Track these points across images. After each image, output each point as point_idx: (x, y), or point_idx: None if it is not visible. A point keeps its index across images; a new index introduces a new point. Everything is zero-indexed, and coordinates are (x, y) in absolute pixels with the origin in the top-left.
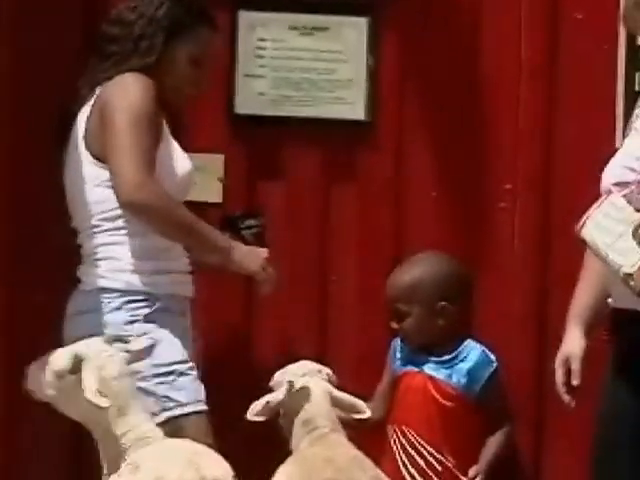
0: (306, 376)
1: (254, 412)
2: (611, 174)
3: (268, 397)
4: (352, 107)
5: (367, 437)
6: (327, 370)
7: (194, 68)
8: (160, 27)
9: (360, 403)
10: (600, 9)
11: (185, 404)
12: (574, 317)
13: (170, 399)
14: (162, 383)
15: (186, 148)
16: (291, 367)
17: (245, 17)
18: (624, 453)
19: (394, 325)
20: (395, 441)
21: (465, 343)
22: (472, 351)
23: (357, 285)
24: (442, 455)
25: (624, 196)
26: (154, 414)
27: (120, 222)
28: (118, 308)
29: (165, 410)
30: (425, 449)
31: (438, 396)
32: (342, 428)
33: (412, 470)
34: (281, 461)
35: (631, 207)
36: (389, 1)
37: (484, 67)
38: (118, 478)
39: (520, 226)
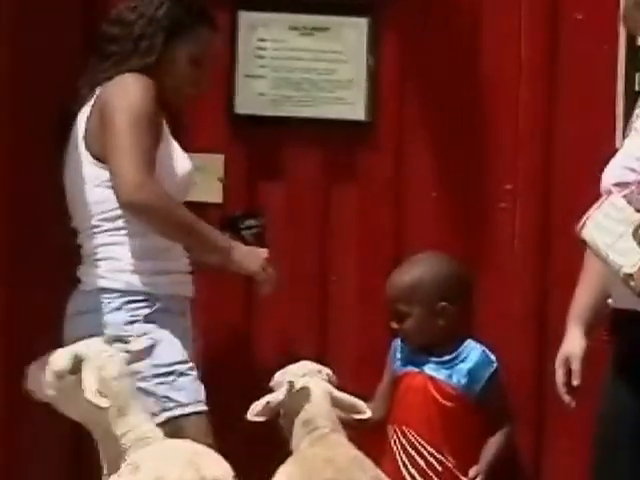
0: (306, 376)
1: (254, 412)
2: (611, 174)
3: (268, 397)
4: (352, 107)
5: (367, 437)
6: (327, 370)
7: (194, 68)
8: (160, 27)
9: (360, 403)
10: (600, 9)
11: (185, 404)
12: (574, 318)
13: (170, 399)
14: (162, 383)
15: (186, 148)
16: (291, 367)
17: (245, 17)
18: (624, 453)
19: (394, 325)
20: (395, 441)
21: (465, 343)
22: (472, 351)
23: (357, 285)
24: (442, 455)
25: (624, 196)
26: (154, 414)
27: (120, 222)
28: (118, 308)
29: (165, 410)
30: (425, 449)
31: (438, 396)
32: (342, 428)
33: (412, 470)
34: (281, 461)
35: (631, 207)
36: (389, 1)
37: (484, 67)
38: (118, 478)
39: (520, 226)
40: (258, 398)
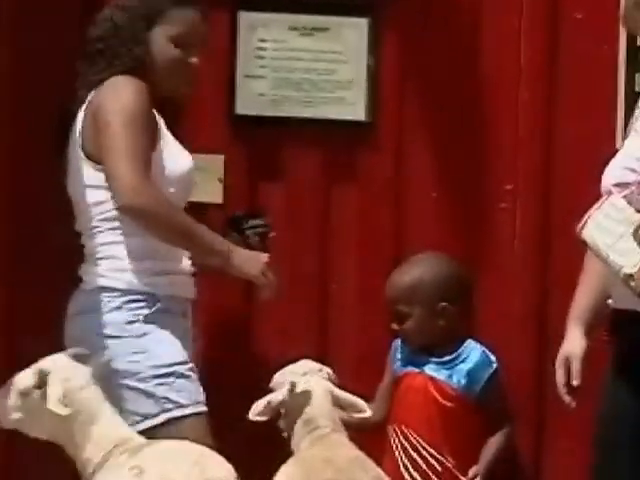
0: (307, 375)
1: (256, 412)
2: (611, 175)
3: (269, 397)
4: (352, 108)
5: (368, 438)
6: (327, 369)
7: (178, 49)
8: (137, 15)
9: (361, 402)
10: (600, 9)
11: (185, 405)
12: (574, 318)
13: (170, 400)
14: (162, 384)
15: (186, 148)
16: (291, 367)
17: (245, 18)
18: (624, 454)
19: (395, 326)
20: (395, 441)
21: (465, 344)
22: (472, 352)
23: (357, 285)
24: (442, 455)
25: (624, 197)
26: (154, 415)
27: (119, 222)
28: (118, 308)
29: (164, 411)
30: (425, 449)
31: (438, 396)
32: (343, 428)
33: (412, 470)
34: (282, 462)
35: (631, 208)
36: (389, 2)
37: (484, 67)
38: None
39: (520, 227)
40: (258, 398)
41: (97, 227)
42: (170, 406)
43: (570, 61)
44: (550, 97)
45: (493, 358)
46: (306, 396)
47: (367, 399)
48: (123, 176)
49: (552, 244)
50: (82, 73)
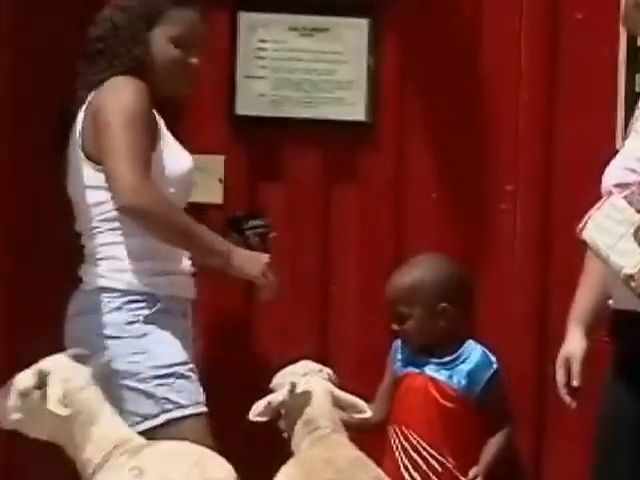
0: (307, 375)
1: (256, 412)
2: (612, 175)
3: (270, 397)
4: (352, 108)
5: (368, 438)
6: (328, 370)
7: (177, 50)
8: (137, 15)
9: (361, 402)
10: (600, 10)
11: (185, 406)
12: (575, 319)
13: (169, 401)
14: (161, 385)
15: (186, 149)
16: (291, 367)
17: (245, 18)
18: (624, 455)
19: (395, 327)
20: (395, 442)
21: (466, 344)
22: (473, 352)
23: (358, 286)
24: (442, 456)
25: (625, 197)
26: (154, 416)
27: (119, 223)
28: (118, 308)
29: (164, 412)
30: (426, 450)
31: (439, 397)
32: (344, 429)
33: (412, 471)
34: (282, 462)
35: (632, 208)
36: (389, 2)
37: (484, 68)
38: None
39: (521, 227)
40: (258, 399)
41: (97, 227)
42: (170, 407)
43: (570, 61)
44: (550, 98)
45: (493, 359)
46: (306, 397)
47: (367, 399)
48: (123, 177)
49: (552, 245)
50: (82, 73)
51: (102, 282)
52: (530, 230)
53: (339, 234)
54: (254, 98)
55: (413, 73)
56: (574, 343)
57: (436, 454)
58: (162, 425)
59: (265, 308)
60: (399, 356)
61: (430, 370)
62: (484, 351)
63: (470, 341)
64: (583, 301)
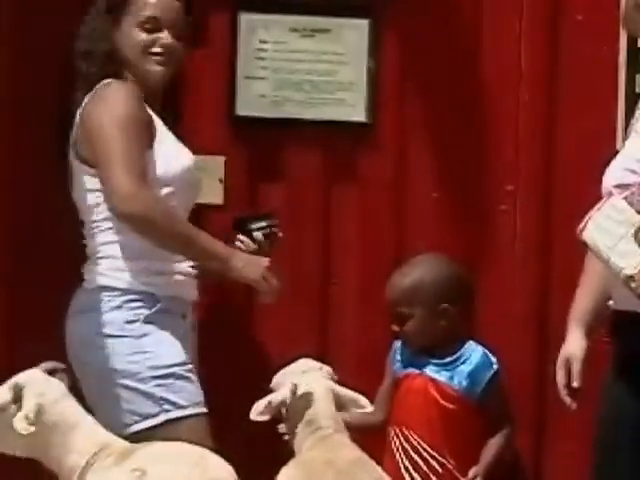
0: (307, 373)
1: (257, 412)
2: (612, 176)
3: (270, 397)
4: (353, 109)
5: (369, 439)
6: (327, 368)
7: (144, 34)
8: (101, 10)
9: (362, 398)
10: (600, 10)
11: (184, 407)
12: (575, 319)
13: (168, 401)
14: (160, 385)
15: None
16: (291, 366)
17: (246, 19)
18: (625, 456)
19: (395, 328)
20: (396, 443)
21: (466, 345)
22: (473, 353)
23: (358, 286)
24: (443, 457)
25: (625, 198)
26: (153, 416)
27: (119, 222)
28: (118, 307)
29: (163, 412)
30: (426, 451)
31: (439, 398)
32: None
33: (413, 472)
34: (283, 463)
35: (632, 209)
36: (389, 3)
37: (484, 68)
38: None
39: (521, 228)
40: (258, 398)
41: (97, 226)
42: (169, 407)
43: (570, 62)
44: (550, 98)
45: (494, 359)
46: (308, 398)
47: (367, 400)
48: (118, 184)
49: (553, 245)
50: (80, 74)
51: (102, 281)
52: (530, 230)
53: (339, 234)
54: (254, 99)
55: (413, 74)
56: (574, 344)
57: (436, 455)
58: (161, 425)
59: (265, 308)
60: (399, 357)
61: (430, 371)
62: (484, 352)
63: (470, 342)
64: (583, 301)
